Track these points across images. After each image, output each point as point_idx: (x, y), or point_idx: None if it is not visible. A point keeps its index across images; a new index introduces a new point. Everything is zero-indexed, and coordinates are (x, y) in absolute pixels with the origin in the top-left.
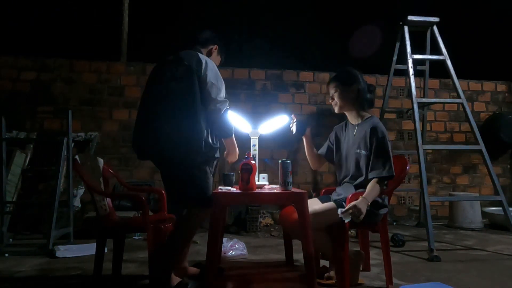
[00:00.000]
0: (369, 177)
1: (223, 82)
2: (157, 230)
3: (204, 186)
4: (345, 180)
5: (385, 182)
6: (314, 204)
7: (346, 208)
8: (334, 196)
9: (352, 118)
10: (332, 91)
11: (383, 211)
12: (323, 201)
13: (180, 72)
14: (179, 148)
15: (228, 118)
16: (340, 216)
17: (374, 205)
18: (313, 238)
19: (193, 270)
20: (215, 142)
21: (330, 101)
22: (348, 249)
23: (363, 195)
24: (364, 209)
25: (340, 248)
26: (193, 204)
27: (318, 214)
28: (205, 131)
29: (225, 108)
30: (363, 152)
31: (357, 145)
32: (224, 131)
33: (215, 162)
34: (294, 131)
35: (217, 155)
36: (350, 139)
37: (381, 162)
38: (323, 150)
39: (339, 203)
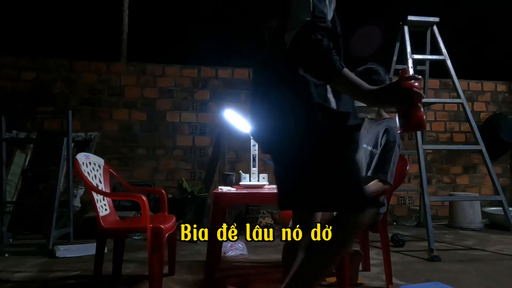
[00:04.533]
0: (369, 174)
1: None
2: (157, 231)
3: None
4: None
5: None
6: None
7: None
8: None
9: (372, 113)
10: None
11: (382, 210)
12: None
13: None
14: None
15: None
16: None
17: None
18: None
19: None
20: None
21: None
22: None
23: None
24: None
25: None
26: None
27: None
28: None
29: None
30: (369, 148)
31: (366, 140)
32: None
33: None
34: None
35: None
36: (361, 133)
37: (385, 166)
38: None
39: None
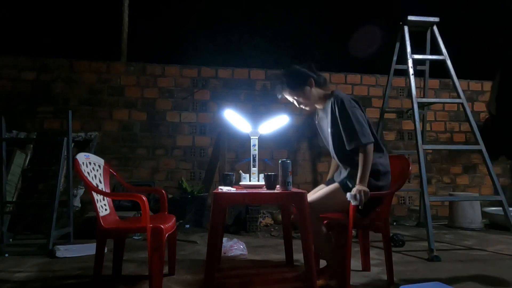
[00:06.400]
0: (348, 149)
1: None
2: (156, 231)
3: None
4: (335, 159)
5: (369, 146)
6: (320, 190)
7: (354, 193)
8: (336, 177)
9: (318, 104)
10: (293, 97)
11: (377, 184)
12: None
13: None
14: None
15: None
16: (349, 200)
17: (372, 174)
18: (314, 236)
19: None
20: None
21: (297, 105)
22: (350, 249)
23: (357, 182)
24: (366, 189)
25: (341, 248)
26: None
27: (324, 197)
28: None
29: None
30: (331, 129)
31: (330, 125)
32: None
33: None
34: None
35: None
36: (323, 123)
37: (352, 132)
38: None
39: (343, 183)
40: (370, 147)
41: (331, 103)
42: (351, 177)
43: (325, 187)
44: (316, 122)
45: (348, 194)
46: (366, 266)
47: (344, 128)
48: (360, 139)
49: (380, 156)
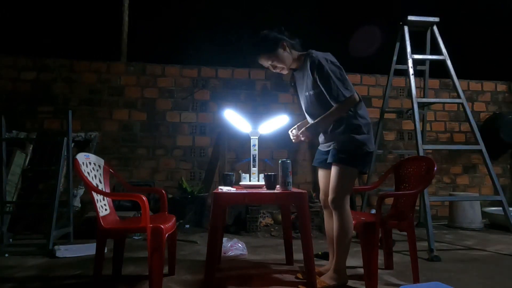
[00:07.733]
0: (333, 104)
1: None
2: (157, 231)
3: None
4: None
5: (352, 97)
6: (325, 178)
7: (300, 133)
8: (321, 140)
9: (294, 65)
10: (268, 63)
11: (362, 138)
12: (321, 165)
13: None
14: None
15: None
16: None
17: (353, 130)
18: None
19: None
20: None
21: (273, 70)
22: (378, 251)
23: (316, 120)
24: (311, 133)
25: (369, 249)
26: None
27: (339, 184)
28: None
29: None
30: (311, 92)
31: (305, 88)
32: None
33: None
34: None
35: None
36: (299, 84)
37: (336, 89)
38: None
39: (341, 159)
40: (352, 99)
41: (309, 65)
42: (339, 148)
43: (330, 174)
44: (292, 84)
45: (293, 131)
46: (389, 265)
47: (326, 88)
48: (343, 93)
49: (360, 107)
